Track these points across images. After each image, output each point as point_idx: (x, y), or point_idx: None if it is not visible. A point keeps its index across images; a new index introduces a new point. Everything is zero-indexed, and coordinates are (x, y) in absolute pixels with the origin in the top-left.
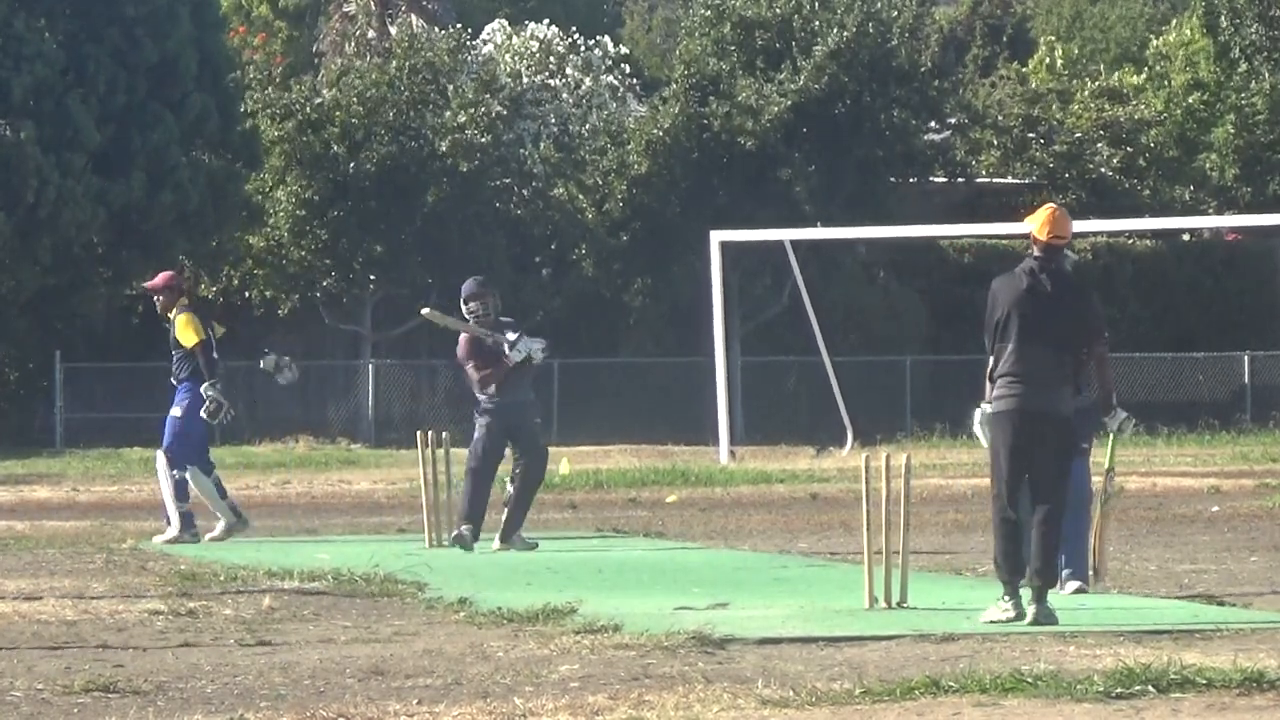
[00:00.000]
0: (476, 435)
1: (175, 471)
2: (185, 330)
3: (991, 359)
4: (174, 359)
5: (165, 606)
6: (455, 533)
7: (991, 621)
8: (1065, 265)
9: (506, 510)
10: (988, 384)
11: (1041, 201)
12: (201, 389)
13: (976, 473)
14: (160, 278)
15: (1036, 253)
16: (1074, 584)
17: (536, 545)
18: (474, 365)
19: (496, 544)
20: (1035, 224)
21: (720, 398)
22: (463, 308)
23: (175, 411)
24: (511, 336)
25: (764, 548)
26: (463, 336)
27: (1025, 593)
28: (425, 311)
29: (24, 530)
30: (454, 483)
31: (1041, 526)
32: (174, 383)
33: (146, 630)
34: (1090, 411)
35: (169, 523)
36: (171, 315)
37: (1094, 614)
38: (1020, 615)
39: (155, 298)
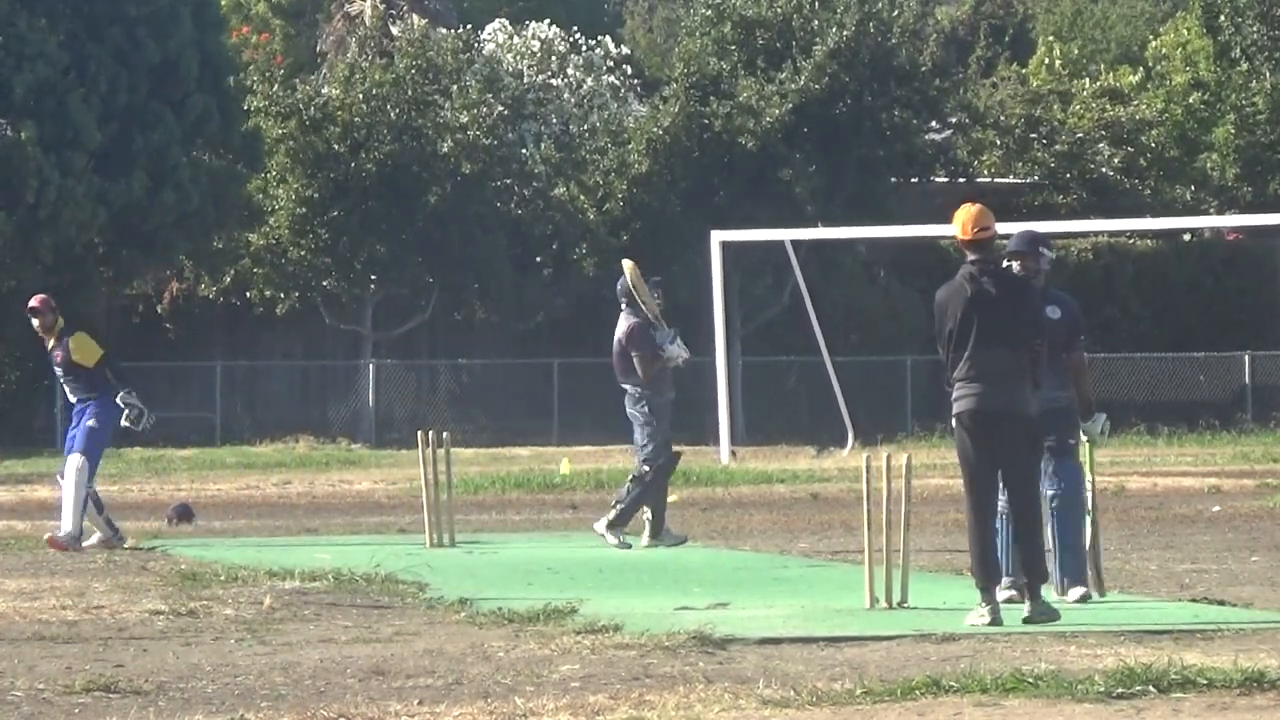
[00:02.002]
0: (650, 434)
1: (91, 484)
2: (86, 349)
3: (949, 366)
4: (68, 380)
5: (166, 606)
6: (671, 540)
7: (973, 626)
8: (1042, 265)
9: (650, 510)
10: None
11: (1043, 201)
12: (119, 399)
13: None
14: (38, 299)
15: (970, 255)
16: (1077, 590)
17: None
18: (640, 355)
19: (645, 540)
20: (957, 226)
21: (721, 397)
22: (645, 295)
23: (91, 423)
24: (669, 332)
25: (765, 548)
26: (633, 322)
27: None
28: (628, 263)
29: (25, 530)
30: (454, 483)
31: (1020, 526)
32: (74, 401)
33: (147, 630)
34: (1070, 411)
35: (71, 526)
36: (57, 336)
37: (1094, 614)
38: (997, 620)
39: (34, 320)
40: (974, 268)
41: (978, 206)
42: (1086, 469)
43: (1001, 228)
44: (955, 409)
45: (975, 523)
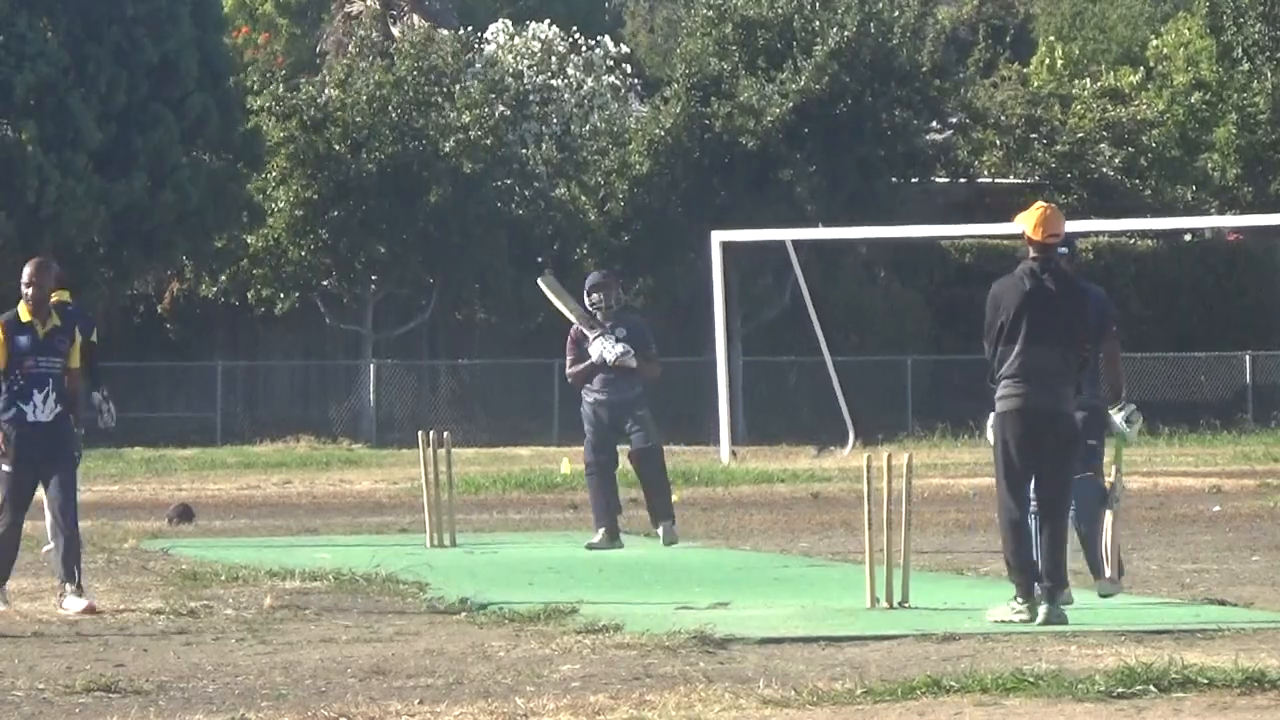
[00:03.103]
0: (586, 435)
1: None
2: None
3: (995, 362)
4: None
5: (166, 606)
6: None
7: (1000, 621)
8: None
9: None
10: (993, 387)
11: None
12: (101, 396)
13: (978, 472)
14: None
15: (1033, 253)
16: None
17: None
18: (570, 358)
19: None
20: (1029, 224)
21: (721, 397)
22: (585, 299)
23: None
24: (594, 334)
25: (765, 547)
26: (574, 327)
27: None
28: (541, 280)
29: (25, 530)
30: (455, 483)
31: (1049, 527)
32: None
33: (147, 630)
34: (1098, 413)
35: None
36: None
37: (1096, 614)
38: (1034, 617)
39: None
40: (1035, 265)
41: (1050, 208)
42: (1114, 460)
43: (1003, 228)
44: (1000, 407)
45: (1009, 522)
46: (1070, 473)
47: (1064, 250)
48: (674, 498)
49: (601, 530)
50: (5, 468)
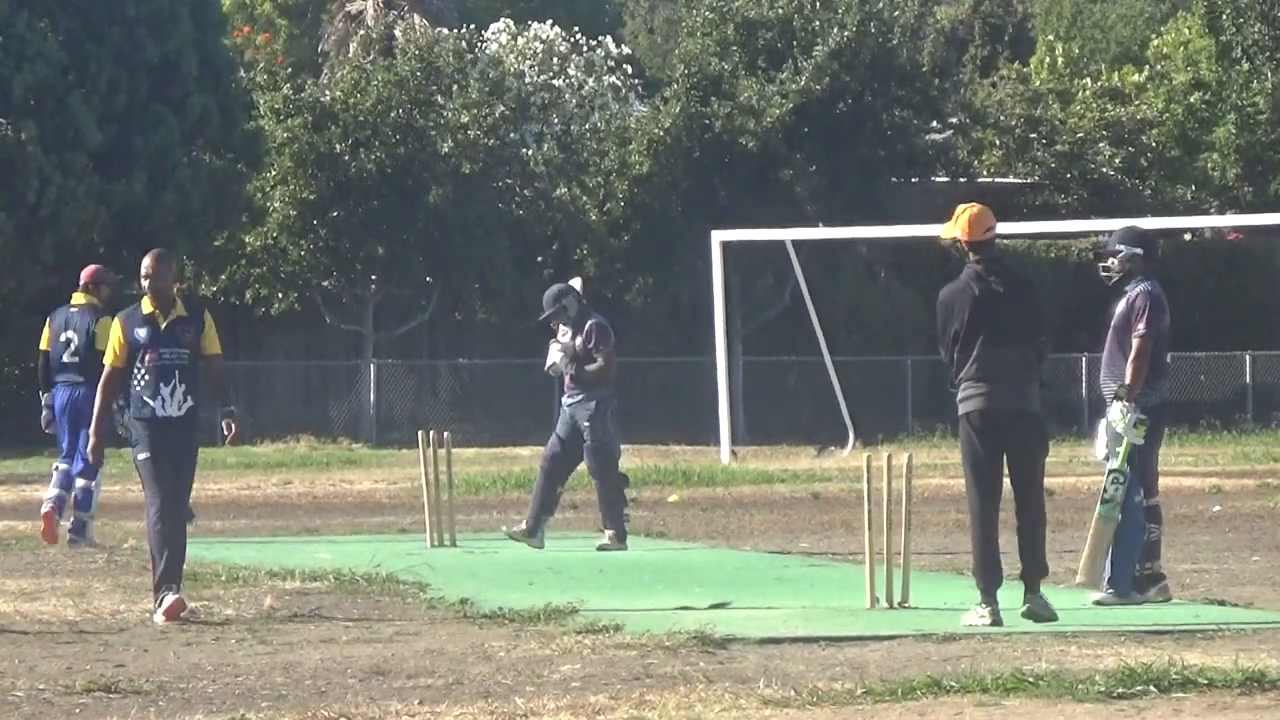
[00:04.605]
0: None
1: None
2: (106, 335)
3: (954, 367)
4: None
5: None
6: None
7: (970, 625)
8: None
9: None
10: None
11: (1044, 201)
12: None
13: None
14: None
15: (974, 256)
16: (1099, 593)
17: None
18: None
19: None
20: (959, 229)
21: (722, 397)
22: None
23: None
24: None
25: (765, 548)
26: None
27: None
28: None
29: (25, 530)
30: (455, 483)
31: (1024, 521)
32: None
33: (148, 630)
34: (1161, 409)
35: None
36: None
37: (1095, 613)
38: (998, 621)
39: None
40: (979, 267)
41: (979, 207)
42: (1119, 462)
43: (1003, 228)
44: (963, 409)
45: (979, 523)
46: (1042, 468)
47: (1138, 250)
48: (673, 499)
49: (607, 532)
50: (141, 455)
